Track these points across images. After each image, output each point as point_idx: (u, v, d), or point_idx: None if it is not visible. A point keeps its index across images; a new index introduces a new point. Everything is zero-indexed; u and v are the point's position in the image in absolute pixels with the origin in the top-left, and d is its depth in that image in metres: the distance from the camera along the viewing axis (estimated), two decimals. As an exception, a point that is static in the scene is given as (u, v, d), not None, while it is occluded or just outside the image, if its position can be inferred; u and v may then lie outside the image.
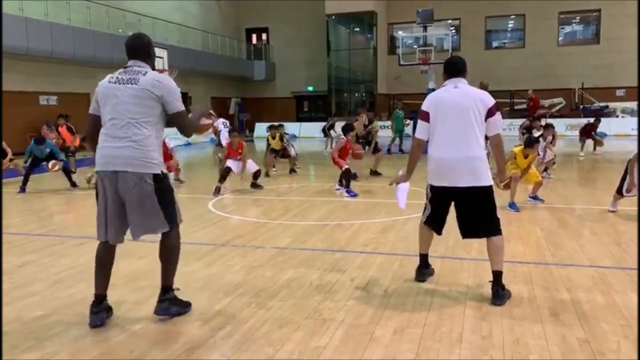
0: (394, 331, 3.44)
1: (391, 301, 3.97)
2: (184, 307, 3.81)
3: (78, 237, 6.26)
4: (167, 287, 3.74)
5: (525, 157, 7.60)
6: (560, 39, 29.21)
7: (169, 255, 3.70)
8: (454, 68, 4.21)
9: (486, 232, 4.01)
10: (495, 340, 3.27)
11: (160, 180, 3.54)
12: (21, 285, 4.51)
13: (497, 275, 3.95)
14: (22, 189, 9.80)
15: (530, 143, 7.62)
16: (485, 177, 3.97)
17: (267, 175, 11.70)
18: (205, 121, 3.86)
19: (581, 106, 26.46)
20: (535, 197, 7.91)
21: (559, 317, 3.60)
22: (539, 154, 9.39)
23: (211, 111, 4.00)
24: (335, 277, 4.55)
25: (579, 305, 3.81)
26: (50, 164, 10.17)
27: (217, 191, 9.20)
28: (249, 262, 5.10)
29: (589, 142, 15.82)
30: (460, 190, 3.98)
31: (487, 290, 4.13)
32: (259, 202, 8.72)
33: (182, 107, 3.62)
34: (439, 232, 4.29)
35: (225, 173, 9.43)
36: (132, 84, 3.51)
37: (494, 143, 4.11)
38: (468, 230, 4.10)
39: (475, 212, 4.00)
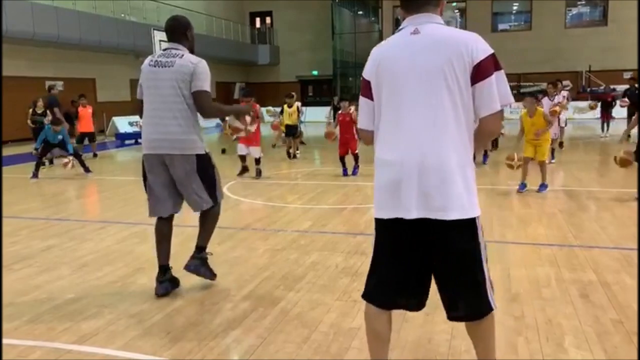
0: (427, 312, 3.43)
1: (419, 283, 3.98)
2: (211, 274, 3.99)
3: (98, 222, 6.30)
4: (201, 247, 3.95)
5: (531, 116, 7.32)
6: (567, 20, 28.93)
7: (208, 220, 3.95)
8: None
9: (472, 309, 2.25)
10: (528, 321, 3.28)
11: (202, 159, 3.71)
12: (48, 268, 4.53)
13: None
14: (35, 175, 9.80)
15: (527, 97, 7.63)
16: (472, 201, 2.18)
17: (294, 157, 12.21)
18: (237, 124, 3.98)
19: (588, 89, 26.31)
20: (542, 186, 7.45)
21: (589, 299, 3.61)
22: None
23: (251, 116, 4.08)
24: (359, 260, 4.57)
25: (608, 286, 3.82)
26: (62, 164, 10.13)
27: (244, 170, 9.59)
28: (272, 245, 5.12)
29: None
30: (432, 227, 2.15)
31: (515, 272, 4.15)
32: (273, 186, 8.72)
33: (207, 88, 3.69)
34: (411, 306, 2.34)
35: (241, 158, 9.60)
36: (169, 67, 3.59)
37: (484, 131, 2.20)
38: (450, 303, 2.28)
39: (456, 270, 2.22)
